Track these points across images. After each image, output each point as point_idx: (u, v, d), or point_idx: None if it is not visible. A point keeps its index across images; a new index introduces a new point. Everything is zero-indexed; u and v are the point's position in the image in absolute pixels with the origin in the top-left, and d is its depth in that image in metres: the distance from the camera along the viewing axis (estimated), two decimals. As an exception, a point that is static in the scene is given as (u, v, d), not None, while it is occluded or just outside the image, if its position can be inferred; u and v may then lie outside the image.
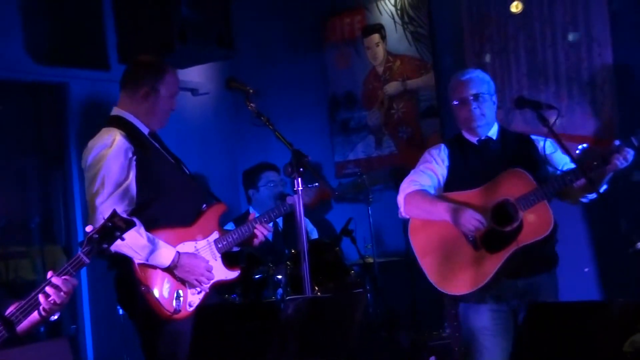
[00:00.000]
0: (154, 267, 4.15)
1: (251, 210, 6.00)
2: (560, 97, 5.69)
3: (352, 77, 6.92)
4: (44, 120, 6.23)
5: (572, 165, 4.07)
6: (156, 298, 4.13)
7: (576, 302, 3.33)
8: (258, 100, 4.23)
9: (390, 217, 5.97)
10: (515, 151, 4.39)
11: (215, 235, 4.45)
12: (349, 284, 5.49)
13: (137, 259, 4.10)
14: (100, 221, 3.21)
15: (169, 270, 4.18)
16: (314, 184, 4.87)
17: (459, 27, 6.22)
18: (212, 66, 6.99)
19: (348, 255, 6.04)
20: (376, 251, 6.07)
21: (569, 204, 4.39)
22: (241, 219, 5.69)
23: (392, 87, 6.71)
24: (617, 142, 4.06)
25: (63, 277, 3.13)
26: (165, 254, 4.15)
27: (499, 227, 4.17)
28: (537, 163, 4.31)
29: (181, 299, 4.18)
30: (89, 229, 3.11)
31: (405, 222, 4.63)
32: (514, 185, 4.18)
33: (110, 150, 4.15)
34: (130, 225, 3.11)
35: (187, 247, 4.29)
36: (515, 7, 5.89)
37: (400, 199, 4.47)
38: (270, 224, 4.66)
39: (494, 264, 4.16)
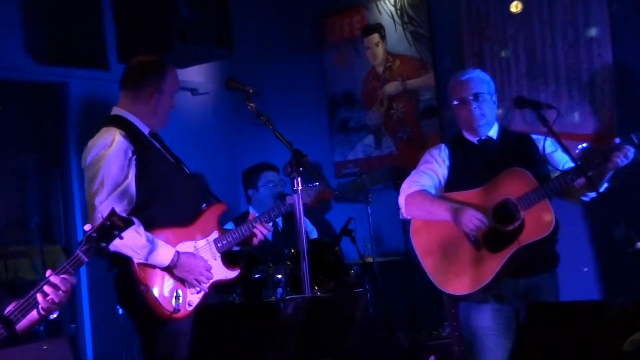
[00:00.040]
0: (154, 266, 4.15)
1: (251, 210, 6.00)
2: (559, 97, 5.69)
3: (352, 77, 6.92)
4: (43, 120, 6.24)
5: (573, 164, 4.07)
6: (155, 297, 4.13)
7: (576, 302, 3.34)
8: (258, 100, 4.23)
9: (390, 216, 5.97)
10: (516, 151, 4.39)
11: (214, 234, 4.45)
12: (348, 283, 5.49)
13: (137, 259, 4.10)
14: (99, 220, 3.21)
15: (169, 269, 4.18)
16: (315, 184, 4.87)
17: (459, 27, 6.22)
18: (212, 66, 6.99)
19: (348, 255, 6.04)
20: (376, 251, 6.07)
21: (570, 202, 4.40)
22: (241, 219, 5.70)
23: (392, 87, 6.71)
24: (617, 140, 4.06)
25: (61, 276, 3.12)
26: (165, 254, 4.15)
27: (500, 227, 4.18)
28: (537, 162, 4.31)
29: (180, 298, 4.18)
30: (87, 227, 3.11)
31: (404, 222, 4.63)
32: (514, 185, 4.18)
33: (110, 149, 4.15)
34: (128, 224, 3.10)
35: (186, 246, 4.29)
36: (515, 7, 5.89)
37: (402, 199, 4.47)
38: (270, 224, 4.66)
39: (495, 263, 4.16)
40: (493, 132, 4.46)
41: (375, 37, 6.77)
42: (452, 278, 4.29)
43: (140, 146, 4.24)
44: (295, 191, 4.00)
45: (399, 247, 5.98)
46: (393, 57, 6.68)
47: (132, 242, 4.03)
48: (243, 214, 5.98)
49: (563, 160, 4.26)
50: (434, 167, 4.47)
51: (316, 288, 5.26)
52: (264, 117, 4.17)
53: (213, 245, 4.42)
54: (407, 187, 4.46)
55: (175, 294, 4.18)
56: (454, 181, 4.44)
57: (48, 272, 3.13)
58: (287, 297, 4.48)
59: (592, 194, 4.21)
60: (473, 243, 4.24)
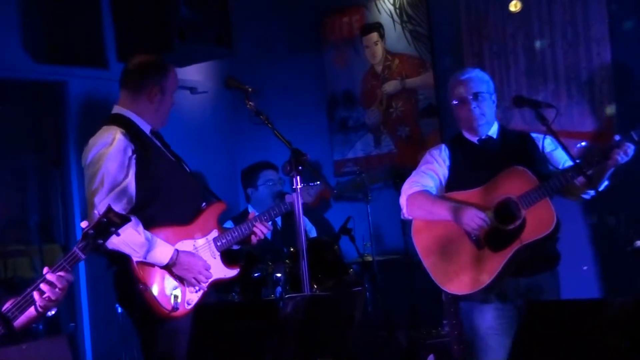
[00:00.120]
0: (153, 265, 4.15)
1: (250, 208, 6.01)
2: (559, 96, 5.69)
3: (351, 76, 6.92)
4: (42, 119, 6.23)
5: (572, 163, 4.07)
6: (154, 296, 4.13)
7: (575, 300, 3.34)
8: (257, 98, 4.24)
9: (389, 215, 6.00)
10: (516, 149, 4.39)
11: (214, 233, 4.45)
12: (347, 282, 5.49)
13: (135, 257, 4.11)
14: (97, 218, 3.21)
15: (168, 268, 4.18)
16: (316, 183, 4.88)
17: (458, 26, 6.22)
18: (211, 65, 6.99)
19: (347, 254, 6.05)
20: (375, 250, 6.07)
21: (570, 200, 4.40)
22: (240, 218, 5.70)
23: (391, 85, 6.71)
24: (617, 137, 4.07)
25: (58, 273, 3.12)
26: (164, 252, 4.15)
27: (501, 226, 4.18)
28: (538, 161, 4.32)
29: (179, 297, 4.18)
30: (84, 224, 3.11)
31: (404, 221, 4.64)
32: (515, 183, 4.18)
33: (110, 148, 4.15)
34: (125, 220, 3.10)
35: (186, 245, 4.30)
36: (514, 7, 5.89)
37: (403, 200, 4.47)
38: (269, 223, 4.66)
39: (497, 262, 4.16)
40: (493, 132, 4.46)
41: (374, 36, 6.77)
42: (454, 277, 4.29)
43: (140, 145, 4.24)
44: (295, 190, 4.00)
45: (398, 245, 5.97)
46: (392, 56, 6.68)
47: (131, 240, 4.04)
48: (242, 213, 5.98)
49: (563, 159, 4.26)
50: (435, 167, 4.47)
51: (315, 287, 5.26)
52: (263, 115, 4.18)
53: (212, 244, 4.42)
54: (408, 188, 4.46)
55: (174, 293, 4.18)
56: (455, 181, 4.44)
57: (45, 270, 3.13)
58: (287, 296, 4.48)
59: (593, 192, 4.21)
60: (475, 242, 4.24)
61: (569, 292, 4.46)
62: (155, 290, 4.14)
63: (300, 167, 3.99)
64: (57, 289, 3.12)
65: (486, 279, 4.18)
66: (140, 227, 4.10)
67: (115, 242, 3.99)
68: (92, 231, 3.07)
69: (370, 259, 5.98)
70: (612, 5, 5.52)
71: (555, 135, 4.08)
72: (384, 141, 6.75)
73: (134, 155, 4.19)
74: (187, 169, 4.51)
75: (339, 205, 6.83)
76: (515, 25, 5.92)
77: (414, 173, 4.53)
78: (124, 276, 4.19)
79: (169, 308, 4.14)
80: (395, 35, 6.65)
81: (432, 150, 4.57)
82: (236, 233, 4.49)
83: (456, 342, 4.68)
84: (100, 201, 4.07)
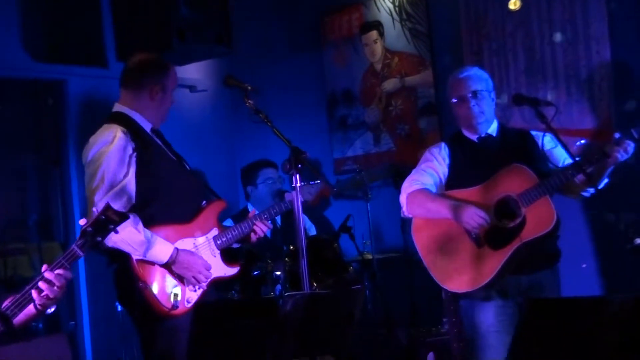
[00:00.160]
0: (152, 263, 4.16)
1: (249, 206, 6.01)
2: (558, 94, 5.69)
3: (350, 74, 6.92)
4: (42, 118, 6.24)
5: (572, 160, 4.08)
6: (154, 294, 4.13)
7: (574, 298, 3.34)
8: (256, 97, 4.24)
9: (389, 213, 6.00)
10: (516, 147, 4.39)
11: (214, 231, 4.45)
12: (347, 280, 5.49)
13: (135, 255, 4.11)
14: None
15: (167, 266, 4.18)
16: (316, 181, 4.88)
17: (457, 24, 6.22)
18: (211, 63, 6.99)
19: (346, 252, 6.05)
20: (375, 248, 6.08)
21: (570, 198, 4.40)
22: (239, 216, 5.71)
23: (390, 84, 6.71)
24: (617, 135, 4.07)
25: (56, 271, 3.12)
26: (163, 250, 4.16)
27: (501, 224, 4.18)
28: (537, 159, 4.32)
29: (179, 295, 4.19)
30: (82, 222, 3.12)
31: (404, 219, 4.64)
32: (515, 181, 4.18)
33: (111, 146, 4.15)
34: (123, 218, 3.10)
35: (186, 243, 4.30)
36: (514, 5, 5.89)
37: (403, 198, 4.47)
38: (269, 221, 4.67)
39: (497, 260, 4.17)
40: (492, 130, 4.46)
41: (374, 34, 6.77)
42: (454, 275, 4.29)
43: (141, 143, 4.24)
44: (294, 188, 4.01)
45: (398, 243, 5.98)
46: (391, 54, 6.68)
47: (130, 238, 4.05)
48: (242, 211, 5.99)
49: (562, 157, 4.27)
50: (435, 165, 4.48)
51: (315, 285, 5.26)
52: (263, 114, 4.18)
53: (212, 243, 4.42)
54: (408, 186, 4.46)
55: (173, 291, 4.19)
56: (455, 179, 4.44)
57: (44, 267, 3.13)
58: (286, 294, 4.49)
59: (593, 190, 4.21)
60: (475, 240, 4.24)
61: (569, 290, 4.46)
62: (155, 288, 4.14)
63: (299, 165, 3.99)
64: (55, 287, 3.11)
65: (486, 277, 4.18)
66: (140, 226, 4.11)
67: (115, 240, 4.00)
68: (90, 229, 3.07)
69: (370, 257, 5.99)
70: (611, 3, 5.51)
71: (554, 133, 4.08)
72: (383, 139, 6.75)
73: (135, 154, 4.19)
74: (188, 167, 4.52)
75: (338, 204, 6.83)
76: (515, 24, 5.92)
77: (413, 171, 4.54)
78: (124, 274, 4.19)
79: (169, 306, 4.15)
80: (394, 34, 6.65)
81: (431, 149, 4.57)
82: (236, 231, 4.50)
83: (456, 340, 4.68)
84: (100, 199, 4.08)
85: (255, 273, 5.41)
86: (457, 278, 4.28)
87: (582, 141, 5.28)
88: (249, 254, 5.43)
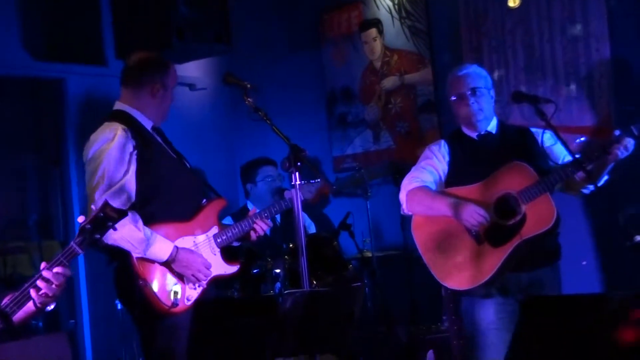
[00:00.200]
0: (152, 261, 4.16)
1: (249, 204, 6.01)
2: (557, 91, 5.69)
3: (350, 72, 6.92)
4: (41, 116, 6.23)
5: (571, 157, 4.07)
6: (154, 292, 4.14)
7: (574, 295, 3.34)
8: (256, 95, 4.24)
9: (389, 211, 6.00)
10: (516, 144, 4.39)
11: (214, 230, 4.46)
12: (347, 278, 5.49)
13: (135, 253, 4.11)
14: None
15: (167, 264, 4.19)
16: (316, 180, 4.88)
17: (457, 21, 6.21)
18: (210, 61, 6.99)
19: (346, 250, 6.04)
20: (374, 245, 6.07)
21: (570, 195, 4.40)
22: (239, 214, 5.71)
23: (390, 81, 6.70)
24: (617, 132, 4.07)
25: (55, 269, 3.12)
26: (163, 248, 4.16)
27: (501, 221, 4.18)
28: (537, 156, 4.32)
29: (179, 293, 4.19)
30: (81, 219, 3.12)
31: (403, 217, 4.64)
32: (515, 179, 4.18)
33: (111, 144, 4.16)
34: (122, 215, 3.10)
35: (186, 241, 4.30)
36: (513, 2, 5.89)
37: (402, 196, 4.47)
38: (269, 220, 4.67)
39: (497, 258, 4.17)
40: (492, 127, 4.46)
41: (373, 32, 6.76)
42: (454, 273, 4.29)
43: (142, 141, 4.25)
44: (294, 186, 4.01)
45: (398, 241, 5.98)
46: (391, 52, 6.68)
47: (130, 236, 4.05)
48: (241, 209, 5.99)
49: (562, 154, 4.27)
50: (434, 162, 4.48)
51: (314, 283, 5.26)
52: (262, 112, 4.19)
53: (212, 241, 4.43)
54: (408, 183, 4.46)
55: (173, 289, 4.19)
56: (455, 177, 4.44)
57: (43, 265, 3.13)
58: (286, 292, 4.49)
59: (592, 187, 4.21)
60: (475, 238, 4.24)
61: (569, 287, 4.46)
62: (155, 286, 4.15)
63: (299, 163, 3.99)
64: (53, 285, 3.11)
65: (486, 274, 4.18)
66: (140, 223, 4.11)
67: (115, 238, 4.01)
68: (89, 226, 3.07)
69: (369, 254, 5.98)
70: (610, 1, 5.51)
71: (554, 130, 4.08)
72: (382, 137, 6.75)
73: (135, 152, 4.20)
74: (188, 165, 4.53)
75: (338, 201, 6.83)
76: (514, 21, 5.91)
77: (413, 169, 4.54)
78: (124, 272, 4.20)
79: (169, 304, 4.15)
80: (393, 31, 6.65)
81: (431, 146, 4.57)
82: (236, 230, 4.50)
83: (456, 337, 4.67)
84: (100, 197, 4.08)
85: (254, 271, 5.41)
86: (457, 275, 4.28)
87: (582, 139, 5.28)
88: (248, 252, 5.42)
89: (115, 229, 3.11)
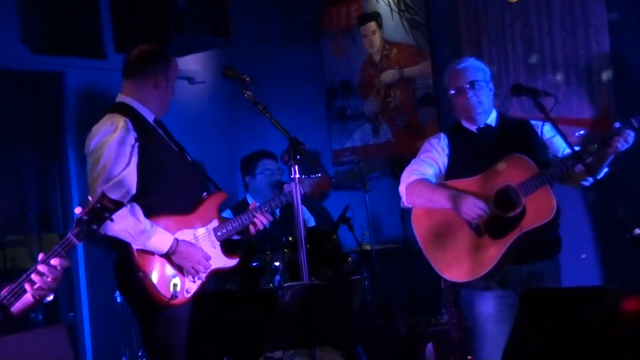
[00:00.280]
0: (152, 253, 4.17)
1: (248, 197, 6.01)
2: (557, 84, 5.69)
3: (349, 66, 6.92)
4: (40, 110, 6.23)
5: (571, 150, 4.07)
6: (154, 284, 4.14)
7: (573, 288, 3.34)
8: (255, 88, 4.24)
9: (388, 204, 6.00)
10: (515, 137, 4.39)
11: (214, 223, 4.46)
12: (346, 271, 5.49)
13: (135, 245, 4.12)
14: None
15: (167, 256, 4.19)
16: (317, 175, 4.89)
17: (456, 14, 6.21)
18: (209, 55, 6.99)
19: (345, 243, 6.05)
20: (373, 238, 6.08)
21: (570, 187, 4.40)
22: (238, 207, 5.71)
23: (389, 75, 6.70)
24: (617, 125, 4.07)
25: (52, 261, 3.11)
26: (163, 240, 4.17)
27: (501, 213, 4.18)
28: (537, 148, 4.32)
29: (178, 285, 4.20)
30: (78, 210, 3.12)
31: (403, 210, 4.64)
32: (515, 171, 4.18)
33: (113, 136, 4.16)
34: (119, 206, 3.10)
35: (186, 234, 4.31)
36: (512, -5, 5.89)
37: (402, 188, 4.47)
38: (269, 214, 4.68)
39: (497, 250, 4.17)
40: (491, 120, 4.47)
41: (372, 25, 6.76)
42: (454, 265, 4.29)
43: (144, 133, 4.26)
44: (293, 179, 4.01)
45: (397, 234, 5.98)
46: (390, 45, 6.67)
47: (131, 228, 4.07)
48: (241, 202, 5.99)
49: (562, 146, 4.27)
50: (434, 155, 4.48)
51: (313, 279, 5.26)
52: (261, 105, 4.19)
53: (212, 234, 4.43)
54: (408, 176, 4.46)
55: (173, 281, 4.20)
56: (454, 169, 4.44)
57: (40, 256, 3.13)
58: (285, 285, 4.50)
59: (592, 179, 4.21)
60: (474, 230, 4.24)
61: (569, 280, 4.47)
62: (154, 278, 4.16)
63: (298, 156, 3.99)
64: (48, 279, 3.11)
65: (486, 266, 4.18)
66: (141, 215, 4.13)
67: (115, 230, 4.02)
68: (86, 217, 3.06)
69: (368, 247, 5.99)
70: (610, -6, 5.51)
71: (554, 123, 4.08)
72: (382, 130, 6.75)
73: (137, 144, 4.21)
74: (189, 158, 4.53)
75: (337, 195, 6.83)
76: (514, 14, 5.91)
77: (413, 162, 4.54)
78: (124, 264, 4.21)
79: (168, 296, 4.16)
80: (393, 25, 6.64)
81: (431, 139, 4.57)
82: (236, 223, 4.51)
83: (455, 330, 4.68)
84: (102, 188, 4.08)
85: (254, 264, 5.41)
86: (456, 268, 4.28)
87: (582, 132, 5.28)
88: (248, 245, 5.43)
89: (112, 220, 3.12)
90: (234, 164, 6.78)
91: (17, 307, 3.14)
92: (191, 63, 6.80)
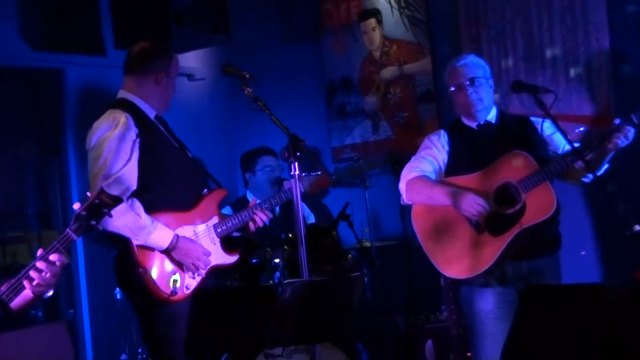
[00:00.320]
0: (152, 249, 4.17)
1: (248, 194, 6.01)
2: (557, 81, 5.69)
3: (349, 62, 6.91)
4: (40, 106, 6.23)
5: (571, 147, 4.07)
6: (153, 280, 4.15)
7: (573, 285, 3.34)
8: (255, 85, 4.24)
9: (388, 201, 6.00)
10: (515, 134, 4.39)
11: (214, 220, 4.47)
12: (346, 268, 5.50)
13: (136, 240, 4.13)
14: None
15: (167, 252, 4.20)
16: (317, 172, 4.89)
17: (456, 11, 6.21)
18: (209, 51, 6.98)
19: (345, 240, 6.05)
20: (373, 235, 6.08)
21: (570, 184, 4.40)
22: (238, 203, 5.71)
23: (389, 71, 6.70)
24: (617, 121, 4.06)
25: (51, 257, 3.11)
26: (163, 236, 4.17)
27: (501, 210, 4.18)
28: (537, 145, 4.32)
29: (178, 281, 4.20)
30: (76, 206, 3.12)
31: (402, 207, 4.64)
32: (515, 168, 4.18)
33: (114, 131, 4.17)
34: (117, 201, 3.10)
35: (186, 231, 4.31)
36: (512, -9, 5.88)
37: (402, 185, 4.47)
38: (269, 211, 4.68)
39: (497, 246, 4.17)
40: (491, 117, 4.47)
41: (372, 21, 6.75)
42: (454, 262, 4.29)
43: (145, 129, 4.26)
44: (292, 176, 4.01)
45: (397, 231, 5.98)
46: (390, 42, 6.67)
47: (131, 223, 4.08)
48: (241, 199, 5.99)
49: (562, 142, 4.27)
50: (434, 152, 4.48)
51: (313, 275, 5.26)
52: (261, 102, 4.19)
53: (212, 231, 4.44)
54: (408, 173, 4.46)
55: (173, 277, 4.20)
56: (454, 166, 4.44)
57: (39, 252, 3.13)
58: (285, 281, 4.50)
59: (592, 176, 4.21)
60: (474, 227, 4.24)
61: (568, 277, 4.46)
62: (154, 273, 4.16)
63: (298, 153, 4.00)
64: (47, 275, 3.11)
65: (485, 263, 4.18)
66: (142, 211, 4.13)
67: (116, 225, 4.03)
68: (84, 212, 3.06)
69: (368, 244, 5.99)
70: (610, -10, 5.51)
71: (554, 120, 4.08)
72: (382, 127, 6.75)
73: (138, 140, 4.21)
74: (190, 155, 4.54)
75: (337, 191, 6.83)
76: (514, 11, 5.91)
77: (413, 158, 4.54)
78: (124, 260, 4.22)
79: (168, 292, 4.16)
80: (393, 21, 6.64)
81: (431, 136, 4.57)
82: (236, 220, 4.52)
83: (455, 326, 4.68)
84: (102, 184, 4.08)
85: (254, 261, 5.41)
86: (456, 264, 4.28)
87: (582, 128, 5.28)
88: (247, 242, 5.43)
89: (110, 216, 3.12)
90: (234, 160, 6.77)
91: (16, 302, 3.14)
92: (191, 60, 6.80)
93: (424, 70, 6.49)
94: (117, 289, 5.42)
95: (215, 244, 4.43)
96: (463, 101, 4.42)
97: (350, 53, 6.90)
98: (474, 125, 4.46)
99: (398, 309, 5.81)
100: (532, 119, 4.43)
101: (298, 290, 3.53)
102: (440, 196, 4.31)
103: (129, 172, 4.14)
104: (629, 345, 2.82)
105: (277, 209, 6.03)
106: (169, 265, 4.22)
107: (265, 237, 5.48)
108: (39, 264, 3.09)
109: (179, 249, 4.21)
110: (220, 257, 4.44)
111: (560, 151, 4.28)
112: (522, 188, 4.13)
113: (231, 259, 4.50)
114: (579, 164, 4.12)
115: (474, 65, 4.43)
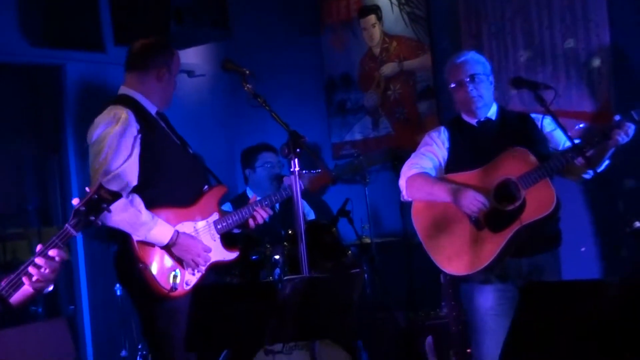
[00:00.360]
0: (152, 244, 4.18)
1: (248, 191, 6.01)
2: (557, 77, 5.68)
3: (349, 59, 6.91)
4: (40, 103, 6.23)
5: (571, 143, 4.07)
6: (153, 275, 4.16)
7: (573, 281, 3.34)
8: (255, 81, 4.24)
9: (387, 197, 6.00)
10: (516, 130, 4.39)
11: (215, 216, 4.47)
12: (346, 264, 5.50)
13: (136, 236, 4.13)
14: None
15: (167, 248, 4.20)
16: (317, 170, 4.89)
17: (456, 8, 6.20)
18: (208, 48, 6.98)
19: (345, 236, 6.05)
20: (373, 232, 6.08)
21: (571, 180, 4.40)
22: (238, 200, 5.71)
23: (389, 68, 6.69)
24: (617, 117, 4.06)
25: (50, 252, 3.11)
26: (164, 232, 4.18)
27: (501, 207, 4.18)
28: (537, 141, 4.32)
29: (178, 277, 4.21)
30: (75, 201, 3.12)
31: (402, 203, 4.64)
32: (515, 164, 4.18)
33: (115, 127, 4.17)
34: (116, 197, 3.10)
35: (186, 227, 4.32)
36: (513, -12, 5.88)
37: (402, 182, 4.47)
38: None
39: (497, 243, 4.17)
40: (492, 113, 4.46)
41: (372, 18, 6.75)
42: (453, 258, 4.29)
43: (146, 125, 4.27)
44: (292, 172, 4.01)
45: (397, 227, 5.98)
46: (390, 39, 6.67)
47: (132, 219, 4.08)
48: (241, 195, 5.99)
49: (562, 139, 4.27)
50: (434, 149, 4.47)
51: (313, 272, 5.26)
52: (261, 98, 4.19)
53: (213, 227, 4.44)
54: (408, 170, 4.46)
55: (173, 273, 4.21)
56: (454, 163, 4.44)
57: (38, 247, 3.13)
58: (285, 278, 4.50)
59: (593, 172, 4.21)
60: (474, 223, 4.24)
61: (568, 274, 4.47)
62: (154, 269, 4.17)
63: (298, 150, 4.00)
64: (46, 271, 3.11)
65: (485, 260, 4.18)
66: (142, 207, 4.14)
67: (116, 220, 4.04)
68: (83, 208, 3.06)
69: (368, 241, 5.99)
70: (610, -13, 5.51)
71: (554, 116, 4.08)
72: (381, 124, 6.74)
73: (139, 135, 4.22)
74: (191, 151, 4.54)
75: (337, 188, 6.81)
76: (514, 7, 5.90)
77: (413, 155, 4.54)
78: (124, 255, 4.22)
79: (168, 288, 4.17)
80: (393, 18, 6.63)
81: (431, 133, 4.57)
82: (236, 217, 4.52)
83: (455, 323, 4.68)
84: (103, 179, 4.09)
85: (254, 257, 5.42)
86: (456, 261, 4.28)
87: (582, 125, 5.28)
88: (247, 239, 5.43)
89: (109, 211, 3.12)
90: (234, 157, 6.78)
91: (16, 298, 3.14)
92: (191, 56, 6.79)
93: (424, 67, 6.49)
94: (117, 285, 5.43)
95: (215, 241, 4.43)
96: (463, 98, 4.42)
97: (350, 49, 6.89)
98: (474, 121, 4.46)
99: (398, 306, 5.81)
100: (533, 115, 4.42)
101: (298, 287, 3.53)
102: (440, 193, 4.31)
103: (130, 168, 4.15)
104: (629, 341, 2.82)
105: (277, 205, 6.03)
106: (169, 261, 4.22)
107: (265, 234, 5.48)
108: (38, 260, 3.09)
109: (179, 245, 4.21)
110: (220, 253, 4.44)
111: (560, 148, 4.28)
112: (522, 185, 4.13)
113: (231, 255, 4.51)
114: (579, 160, 4.12)
115: (474, 61, 4.43)
